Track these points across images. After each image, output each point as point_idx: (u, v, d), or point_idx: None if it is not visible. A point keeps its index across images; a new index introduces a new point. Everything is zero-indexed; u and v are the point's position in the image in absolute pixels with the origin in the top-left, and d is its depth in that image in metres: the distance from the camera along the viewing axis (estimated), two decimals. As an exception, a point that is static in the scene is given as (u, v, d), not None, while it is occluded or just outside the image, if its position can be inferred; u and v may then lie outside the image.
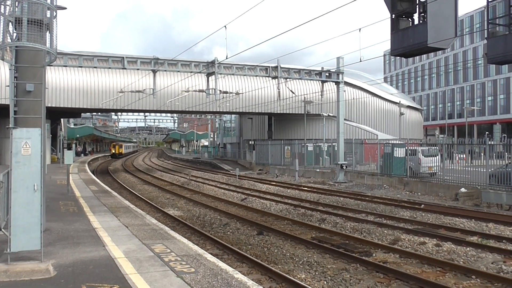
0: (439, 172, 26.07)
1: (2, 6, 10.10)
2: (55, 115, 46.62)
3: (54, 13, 10.63)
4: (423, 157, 28.11)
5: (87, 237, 10.95)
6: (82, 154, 72.60)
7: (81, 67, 28.11)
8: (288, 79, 33.47)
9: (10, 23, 10.32)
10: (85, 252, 9.38)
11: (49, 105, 38.84)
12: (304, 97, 45.30)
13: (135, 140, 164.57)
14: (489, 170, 22.59)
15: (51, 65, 16.58)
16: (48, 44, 10.59)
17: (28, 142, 8.11)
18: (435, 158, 27.94)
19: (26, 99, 10.78)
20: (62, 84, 41.51)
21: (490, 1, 16.54)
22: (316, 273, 10.86)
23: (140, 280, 7.47)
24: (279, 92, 32.55)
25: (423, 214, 18.30)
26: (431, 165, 27.73)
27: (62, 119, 56.13)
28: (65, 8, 13.61)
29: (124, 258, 8.94)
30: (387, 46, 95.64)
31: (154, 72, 29.06)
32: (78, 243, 10.25)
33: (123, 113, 76.06)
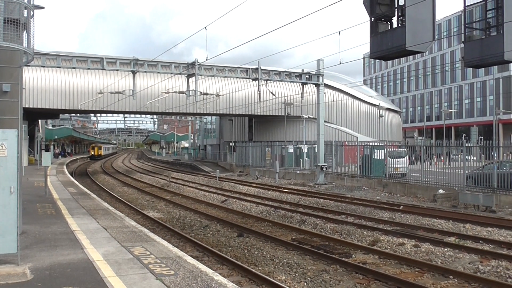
0: (417, 174, 26.36)
1: (-22, 5, 9.92)
2: (32, 116, 45.91)
3: (32, 13, 10.49)
4: (389, 158, 28.87)
5: (65, 240, 10.81)
6: (60, 156, 71.52)
7: (59, 67, 27.76)
8: (268, 81, 33.55)
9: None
10: (63, 255, 9.25)
11: (26, 106, 38.23)
12: (285, 99, 45.45)
13: (114, 142, 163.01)
14: (466, 172, 22.95)
15: (28, 65, 16.35)
16: (25, 44, 10.44)
17: (4, 143, 7.98)
18: (402, 159, 28.88)
19: (2, 100, 10.60)
20: (40, 84, 40.94)
21: (467, 6, 16.81)
22: (296, 274, 10.89)
23: (119, 283, 7.40)
24: (259, 94, 32.62)
25: (402, 215, 18.48)
26: (397, 166, 28.62)
27: (40, 120, 55.33)
28: (43, 8, 13.42)
29: (103, 260, 8.85)
30: (366, 49, 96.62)
31: (134, 73, 28.86)
32: (56, 246, 10.11)
33: (102, 114, 75.24)
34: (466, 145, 24.21)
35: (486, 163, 22.87)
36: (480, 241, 13.68)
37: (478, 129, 68.72)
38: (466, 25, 16.26)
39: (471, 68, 59.24)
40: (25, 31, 10.50)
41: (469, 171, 23.11)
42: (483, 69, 63.52)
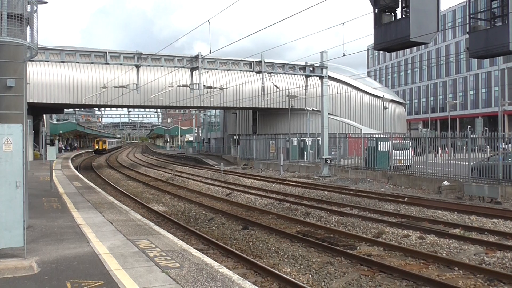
0: (422, 166, 26.31)
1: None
2: (37, 111, 46.05)
3: (35, 7, 10.50)
4: (393, 150, 28.97)
5: (71, 234, 10.87)
6: (63, 150, 71.40)
7: (63, 62, 27.80)
8: (272, 74, 33.48)
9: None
10: (69, 249, 9.31)
11: (31, 101, 38.32)
12: (288, 92, 45.35)
13: (119, 136, 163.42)
14: (471, 163, 22.88)
15: (32, 60, 16.39)
16: (29, 39, 10.46)
17: (9, 138, 8.00)
18: (407, 151, 29.02)
19: (7, 95, 10.63)
20: (44, 79, 41.01)
21: (472, -4, 16.71)
22: (301, 266, 10.92)
23: (125, 276, 7.44)
24: (263, 86, 32.55)
25: (406, 207, 18.47)
26: (401, 158, 28.72)
27: (44, 115, 55.49)
28: (46, 2, 13.43)
29: (109, 254, 8.90)
30: (370, 40, 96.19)
31: (138, 67, 28.85)
32: (62, 240, 10.17)
33: (107, 109, 75.39)
34: (471, 136, 24.10)
35: (491, 154, 22.78)
36: (486, 233, 13.67)
37: (483, 120, 68.43)
38: (471, 16, 16.18)
39: (476, 59, 58.96)
40: (28, 26, 10.52)
41: (474, 162, 23.05)
42: (488, 59, 63.24)
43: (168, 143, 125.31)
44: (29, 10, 10.49)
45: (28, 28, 10.64)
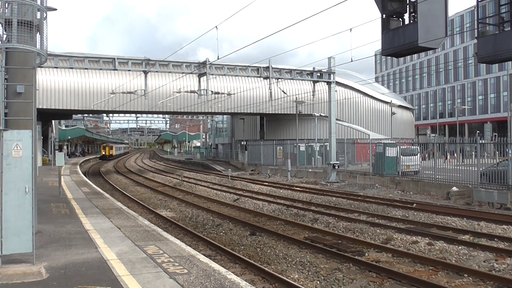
0: (430, 171, 26.18)
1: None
2: (46, 116, 46.35)
3: (44, 15, 10.58)
4: (402, 156, 28.95)
5: (79, 239, 10.90)
6: (67, 157, 71.07)
7: (72, 68, 27.97)
8: (279, 79, 33.50)
9: (0, 25, 10.25)
10: (78, 254, 9.33)
11: (40, 107, 38.54)
12: (296, 97, 45.36)
13: (126, 141, 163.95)
14: (481, 169, 22.73)
15: (42, 67, 16.50)
16: (38, 46, 10.54)
17: (19, 144, 8.05)
18: (415, 157, 29.06)
19: (16, 101, 10.70)
20: (53, 85, 41.29)
21: (480, 1, 16.64)
22: (309, 273, 10.87)
23: (133, 282, 7.44)
24: (270, 92, 32.60)
25: (415, 213, 18.37)
26: (409, 163, 28.74)
27: (53, 121, 55.83)
28: (55, 9, 13.52)
29: (117, 259, 8.91)
30: (378, 46, 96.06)
31: (146, 73, 28.98)
32: (70, 245, 10.20)
33: (115, 114, 75.74)
34: (480, 142, 23.95)
35: (500, 160, 22.62)
36: (495, 239, 13.56)
37: (492, 125, 67.96)
38: (479, 21, 16.10)
39: (484, 64, 58.69)
40: (38, 32, 10.60)
41: (483, 168, 22.90)
42: (497, 64, 62.84)
43: (175, 149, 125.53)
44: (38, 17, 10.57)
45: (38, 35, 10.72)
